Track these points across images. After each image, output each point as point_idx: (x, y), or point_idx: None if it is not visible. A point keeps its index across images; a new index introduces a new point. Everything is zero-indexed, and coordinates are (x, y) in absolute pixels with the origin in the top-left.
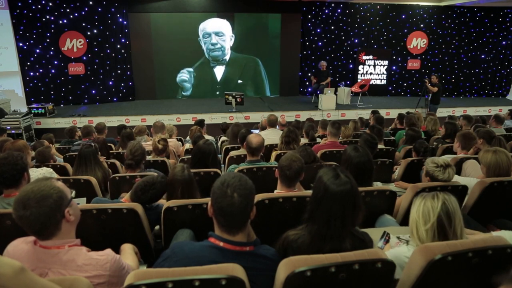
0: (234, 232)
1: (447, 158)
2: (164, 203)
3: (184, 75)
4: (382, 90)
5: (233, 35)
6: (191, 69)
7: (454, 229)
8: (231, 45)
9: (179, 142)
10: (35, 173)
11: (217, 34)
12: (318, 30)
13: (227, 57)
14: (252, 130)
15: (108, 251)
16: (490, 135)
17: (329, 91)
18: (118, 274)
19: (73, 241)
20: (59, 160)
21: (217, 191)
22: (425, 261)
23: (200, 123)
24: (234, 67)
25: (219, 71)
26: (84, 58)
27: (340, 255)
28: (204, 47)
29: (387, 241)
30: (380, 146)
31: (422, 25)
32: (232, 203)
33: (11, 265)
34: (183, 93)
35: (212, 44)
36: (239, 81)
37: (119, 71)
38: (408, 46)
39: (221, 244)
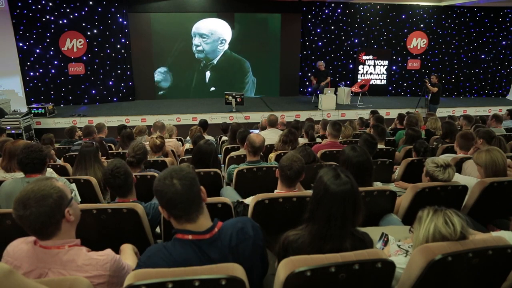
0: (194, 217)
1: (447, 158)
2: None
3: (159, 77)
4: (382, 90)
5: (225, 39)
6: (165, 68)
7: None
8: (225, 48)
9: (179, 142)
10: None
11: (201, 35)
12: (318, 30)
13: (215, 61)
14: (251, 130)
15: (108, 251)
16: (490, 135)
17: (329, 91)
18: (118, 274)
19: (73, 241)
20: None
21: (158, 189)
22: (425, 261)
23: (204, 124)
24: (218, 71)
25: (208, 74)
26: (84, 58)
27: (340, 255)
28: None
29: (385, 243)
30: (381, 146)
31: (422, 25)
32: (176, 189)
33: (0, 267)
34: (159, 93)
35: (195, 45)
36: (212, 89)
37: (119, 71)
38: (408, 46)
39: (190, 237)
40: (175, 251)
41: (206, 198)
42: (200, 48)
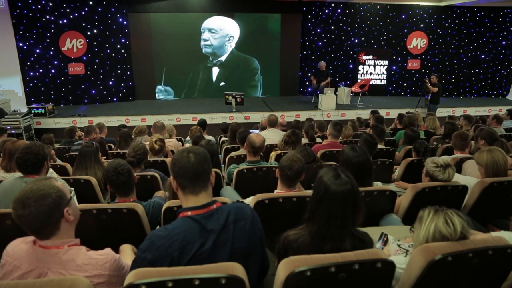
0: (198, 191)
1: (447, 158)
2: (160, 194)
3: (161, 95)
4: (382, 90)
5: (233, 36)
6: (161, 87)
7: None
8: (232, 45)
9: (179, 142)
10: None
11: (210, 30)
12: (318, 30)
13: (223, 58)
14: (251, 130)
15: (108, 251)
16: (491, 137)
17: (329, 91)
18: (117, 274)
19: (73, 241)
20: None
21: (175, 157)
22: (425, 261)
23: (203, 124)
24: (226, 68)
25: (215, 72)
26: (84, 58)
27: (340, 255)
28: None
29: (385, 242)
30: (380, 146)
31: (422, 25)
32: (189, 160)
33: None
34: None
35: (204, 40)
36: (222, 84)
37: (119, 71)
38: (408, 46)
39: (189, 213)
40: (173, 228)
41: (213, 182)
42: (208, 42)
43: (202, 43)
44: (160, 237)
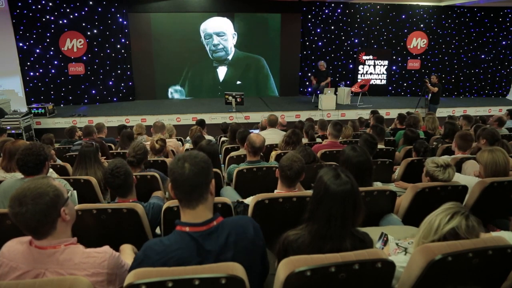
0: (194, 204)
1: (447, 158)
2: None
3: (175, 95)
4: (382, 90)
5: (236, 33)
6: (178, 87)
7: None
8: (234, 43)
9: (179, 142)
10: None
11: (218, 34)
12: (318, 30)
13: (230, 57)
14: (251, 130)
15: (106, 248)
16: (493, 137)
17: (329, 91)
18: (117, 272)
19: (69, 240)
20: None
21: (170, 167)
22: (425, 261)
23: (201, 123)
24: (236, 67)
25: (221, 72)
26: (84, 58)
27: (340, 255)
28: (207, 48)
29: (385, 242)
30: (381, 146)
31: (422, 25)
32: (183, 171)
33: None
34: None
35: (214, 45)
36: (238, 82)
37: (119, 71)
38: (408, 46)
39: (187, 229)
40: (170, 244)
41: (213, 192)
42: (220, 46)
43: (212, 48)
44: (156, 252)
